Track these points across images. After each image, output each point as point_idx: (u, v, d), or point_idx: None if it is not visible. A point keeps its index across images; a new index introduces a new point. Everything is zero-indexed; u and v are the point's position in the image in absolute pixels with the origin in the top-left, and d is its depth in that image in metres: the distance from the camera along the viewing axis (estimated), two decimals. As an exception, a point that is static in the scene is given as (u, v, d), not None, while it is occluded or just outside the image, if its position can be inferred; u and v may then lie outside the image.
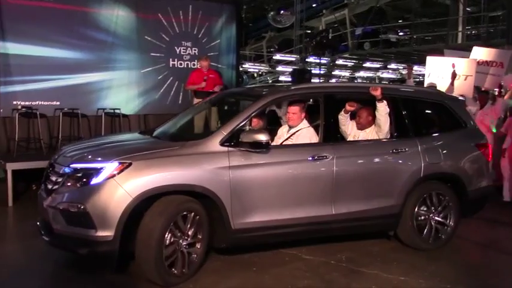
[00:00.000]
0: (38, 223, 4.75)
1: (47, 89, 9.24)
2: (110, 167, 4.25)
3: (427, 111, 6.20)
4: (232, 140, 4.70)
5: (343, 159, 5.11)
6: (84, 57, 9.60)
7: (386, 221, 5.39)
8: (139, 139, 5.51)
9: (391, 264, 5.12)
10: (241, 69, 19.17)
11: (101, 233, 4.14)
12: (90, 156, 4.60)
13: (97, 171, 4.26)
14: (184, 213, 4.44)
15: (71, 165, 4.46)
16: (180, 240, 4.43)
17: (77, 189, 4.30)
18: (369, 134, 5.71)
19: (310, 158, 4.98)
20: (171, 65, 10.74)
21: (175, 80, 10.70)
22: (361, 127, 5.70)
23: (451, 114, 5.99)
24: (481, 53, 10.28)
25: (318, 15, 21.49)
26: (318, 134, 5.33)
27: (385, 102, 5.29)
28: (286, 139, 5.40)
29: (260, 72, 25.53)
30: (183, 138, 5.16)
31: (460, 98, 6.72)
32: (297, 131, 5.41)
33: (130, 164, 4.27)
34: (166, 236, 4.31)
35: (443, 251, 5.74)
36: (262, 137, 4.64)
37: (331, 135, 5.30)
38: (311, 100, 6.13)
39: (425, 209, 5.49)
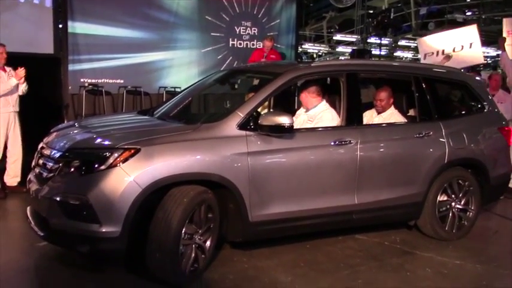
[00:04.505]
0: (28, 213, 4.07)
1: (112, 67, 9.29)
2: (115, 153, 3.56)
3: (449, 92, 5.62)
4: (250, 123, 4.02)
5: (368, 144, 4.50)
6: (147, 37, 9.50)
7: (409, 209, 4.89)
8: (143, 120, 4.76)
9: (446, 248, 4.82)
10: (300, 49, 19.03)
11: (106, 229, 3.47)
12: (91, 141, 3.88)
13: (100, 158, 3.56)
14: (201, 205, 3.79)
15: (69, 151, 3.74)
16: (195, 235, 3.80)
17: (77, 179, 3.60)
18: (386, 119, 5.03)
19: (333, 143, 4.35)
20: (230, 45, 10.38)
21: (235, 60, 10.33)
22: (382, 110, 5.13)
23: (474, 96, 5.46)
24: None
25: (382, -5, 20.91)
26: (339, 116, 4.68)
27: None
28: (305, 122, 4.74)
29: (320, 53, 25.28)
30: (193, 120, 4.48)
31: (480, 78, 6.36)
32: (316, 114, 4.75)
33: (139, 150, 3.57)
34: (183, 230, 3.65)
35: (504, 237, 5.52)
36: (285, 120, 3.94)
37: (354, 117, 4.61)
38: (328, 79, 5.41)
39: (447, 197, 5.01)
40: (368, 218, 4.73)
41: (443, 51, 9.29)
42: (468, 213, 5.12)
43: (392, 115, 5.14)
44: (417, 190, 4.84)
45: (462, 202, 5.09)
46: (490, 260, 4.67)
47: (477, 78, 5.83)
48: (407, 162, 4.79)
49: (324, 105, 4.82)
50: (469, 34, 9.17)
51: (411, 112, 5.39)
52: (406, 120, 5.15)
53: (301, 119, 4.83)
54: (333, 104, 4.91)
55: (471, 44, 9.04)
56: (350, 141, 4.45)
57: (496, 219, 6.14)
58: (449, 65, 8.39)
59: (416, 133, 4.86)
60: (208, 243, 3.93)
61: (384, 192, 4.68)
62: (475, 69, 9.58)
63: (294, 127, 4.16)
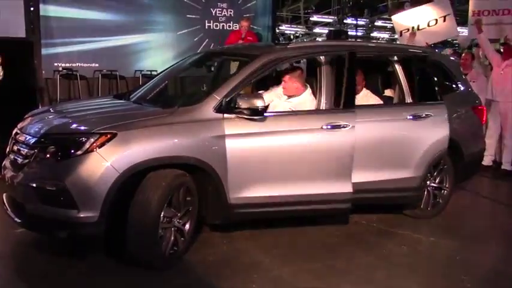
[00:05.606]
0: (5, 200, 3.99)
1: (87, 51, 9.17)
2: (91, 138, 3.51)
3: (426, 72, 5.52)
4: (227, 106, 3.98)
5: (348, 127, 4.35)
6: (121, 20, 9.42)
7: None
8: (119, 105, 4.69)
9: (421, 226, 4.93)
10: (277, 31, 18.97)
11: (83, 214, 3.44)
12: (67, 126, 3.83)
13: (76, 143, 3.51)
14: (180, 188, 3.79)
15: (44, 136, 3.68)
16: (174, 218, 3.80)
17: (53, 164, 3.55)
18: (360, 101, 4.87)
19: (325, 127, 4.27)
20: (206, 27, 10.33)
21: (211, 42, 10.26)
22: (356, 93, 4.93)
23: (448, 75, 5.49)
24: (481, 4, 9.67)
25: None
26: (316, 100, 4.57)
27: None
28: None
29: (297, 34, 25.23)
30: (170, 103, 4.38)
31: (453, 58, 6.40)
32: (301, 103, 4.61)
33: (115, 135, 3.53)
34: (162, 213, 3.65)
35: (477, 214, 5.73)
36: (258, 103, 3.90)
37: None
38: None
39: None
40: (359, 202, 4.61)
41: (418, 26, 9.35)
42: (443, 191, 5.22)
43: (365, 97, 5.10)
44: (412, 174, 4.80)
45: (437, 180, 5.18)
46: (464, 236, 4.80)
47: (451, 58, 5.89)
48: (399, 146, 4.75)
49: (309, 94, 4.68)
50: (442, 7, 9.25)
51: (387, 92, 5.42)
52: (381, 101, 5.16)
53: (284, 106, 4.66)
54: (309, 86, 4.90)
55: (445, 16, 9.11)
56: (345, 125, 4.36)
57: (470, 196, 6.28)
58: (420, 41, 8.49)
59: (407, 115, 4.79)
60: (187, 226, 3.93)
61: (376, 177, 4.59)
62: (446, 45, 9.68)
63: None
